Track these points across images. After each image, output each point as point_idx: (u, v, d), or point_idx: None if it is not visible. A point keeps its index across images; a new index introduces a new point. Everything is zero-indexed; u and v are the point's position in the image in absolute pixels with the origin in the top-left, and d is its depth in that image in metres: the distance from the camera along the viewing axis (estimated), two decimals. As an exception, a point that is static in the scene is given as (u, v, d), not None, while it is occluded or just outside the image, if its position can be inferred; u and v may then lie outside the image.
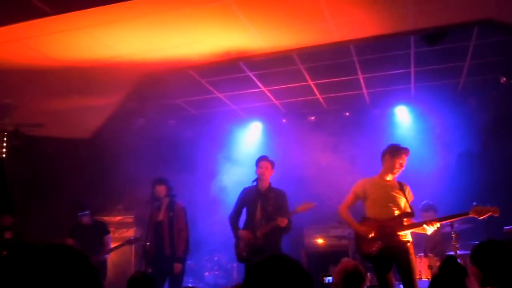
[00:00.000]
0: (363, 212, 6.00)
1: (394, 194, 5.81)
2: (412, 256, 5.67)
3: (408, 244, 5.66)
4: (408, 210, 5.77)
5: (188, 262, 8.78)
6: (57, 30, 5.63)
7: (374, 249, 5.69)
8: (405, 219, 5.71)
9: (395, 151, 5.88)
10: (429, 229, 5.63)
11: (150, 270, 6.67)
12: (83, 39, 5.93)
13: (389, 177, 5.90)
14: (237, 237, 6.58)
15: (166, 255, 6.85)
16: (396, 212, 5.74)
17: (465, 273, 3.84)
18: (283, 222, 6.20)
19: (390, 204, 5.77)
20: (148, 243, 6.87)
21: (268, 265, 1.89)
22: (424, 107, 9.19)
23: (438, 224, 5.63)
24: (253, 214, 6.48)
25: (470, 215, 5.53)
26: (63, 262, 1.43)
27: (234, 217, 6.73)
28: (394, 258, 5.64)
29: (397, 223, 5.67)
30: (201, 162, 9.92)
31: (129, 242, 7.37)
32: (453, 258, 4.39)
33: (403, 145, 6.02)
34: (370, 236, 5.75)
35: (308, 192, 9.35)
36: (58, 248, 1.47)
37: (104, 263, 7.35)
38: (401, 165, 5.83)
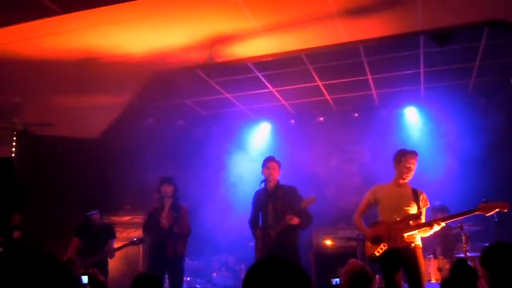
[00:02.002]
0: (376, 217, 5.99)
1: (405, 201, 5.76)
2: (420, 260, 5.61)
3: (413, 245, 5.60)
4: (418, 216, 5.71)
5: (196, 262, 8.80)
6: (67, 29, 5.64)
7: (377, 251, 5.69)
8: (411, 221, 5.66)
9: (400, 155, 5.84)
10: (436, 228, 5.57)
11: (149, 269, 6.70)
12: (92, 38, 5.94)
13: (401, 183, 5.85)
14: (256, 239, 6.57)
15: (167, 255, 6.85)
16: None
17: (476, 276, 3.80)
18: (291, 220, 6.18)
19: (399, 210, 5.73)
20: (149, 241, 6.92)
21: (266, 267, 1.87)
22: (434, 108, 9.15)
23: (443, 223, 5.58)
24: (266, 214, 6.48)
25: (477, 212, 5.47)
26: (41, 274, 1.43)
27: (253, 221, 6.71)
28: (401, 261, 5.61)
29: (403, 225, 5.63)
30: (210, 163, 9.93)
31: (132, 243, 7.34)
32: (464, 261, 4.35)
33: (410, 147, 5.98)
34: (374, 238, 5.74)
35: (316, 193, 9.30)
36: (39, 260, 1.46)
37: (105, 261, 7.32)
38: (408, 169, 5.75)
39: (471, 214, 5.61)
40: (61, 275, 1.47)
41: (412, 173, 5.79)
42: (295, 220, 6.19)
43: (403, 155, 5.80)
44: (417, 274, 5.53)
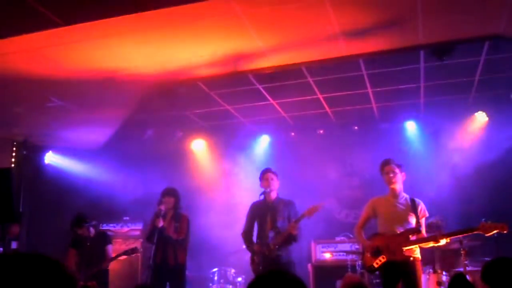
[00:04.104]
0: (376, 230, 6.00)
1: (404, 212, 5.78)
2: (418, 273, 5.62)
3: (411, 259, 5.60)
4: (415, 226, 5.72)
5: (195, 274, 8.76)
6: (70, 40, 5.66)
7: (375, 263, 5.70)
8: (411, 235, 5.66)
9: (380, 168, 6.02)
10: (441, 242, 5.59)
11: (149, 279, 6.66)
12: (94, 49, 5.96)
13: (396, 193, 5.89)
14: (252, 252, 6.53)
15: (169, 264, 6.84)
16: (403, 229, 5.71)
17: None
18: (294, 229, 6.18)
19: (398, 221, 5.75)
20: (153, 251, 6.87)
21: (269, 280, 1.87)
22: (434, 122, 9.14)
23: (444, 240, 5.57)
24: (264, 226, 6.45)
25: (476, 232, 5.49)
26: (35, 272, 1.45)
27: (247, 233, 6.68)
28: (400, 273, 5.61)
29: (402, 239, 5.63)
30: (210, 175, 9.93)
31: (126, 253, 7.30)
32: (462, 275, 4.34)
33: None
34: (374, 250, 5.74)
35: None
36: (30, 258, 1.49)
37: (105, 272, 7.29)
38: (388, 175, 5.88)
39: (470, 233, 5.64)
40: (62, 278, 1.48)
41: (392, 177, 5.85)
42: (296, 229, 6.21)
43: (381, 167, 5.99)
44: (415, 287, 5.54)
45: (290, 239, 6.29)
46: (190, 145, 10.36)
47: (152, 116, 9.05)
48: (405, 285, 5.61)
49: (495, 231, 5.38)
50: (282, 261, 6.21)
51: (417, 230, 5.67)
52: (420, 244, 5.66)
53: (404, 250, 5.58)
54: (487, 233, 5.42)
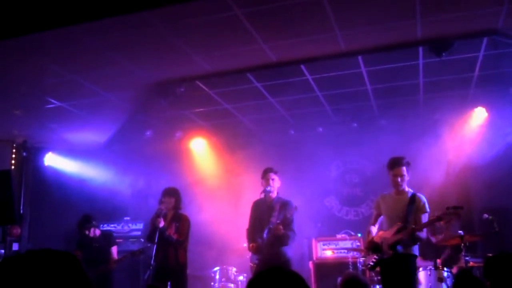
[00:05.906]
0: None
1: (401, 210, 5.72)
2: (410, 270, 5.61)
3: (403, 255, 5.58)
4: (412, 224, 5.62)
5: (196, 273, 8.76)
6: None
7: (371, 261, 5.76)
8: (400, 233, 5.59)
9: (389, 165, 5.86)
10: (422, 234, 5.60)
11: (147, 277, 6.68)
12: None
13: (399, 191, 5.84)
14: (249, 250, 6.55)
15: (170, 263, 6.84)
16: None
17: (481, 286, 3.79)
18: (278, 230, 6.17)
19: (397, 218, 5.70)
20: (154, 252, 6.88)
21: (268, 277, 1.88)
22: (433, 118, 9.14)
23: (423, 233, 5.57)
24: (263, 225, 6.45)
25: (444, 218, 5.49)
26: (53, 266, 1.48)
27: (251, 231, 6.68)
28: (393, 270, 5.59)
29: (390, 236, 5.62)
30: (209, 173, 9.93)
31: (133, 254, 7.33)
32: (467, 271, 4.34)
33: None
34: (371, 248, 5.79)
35: (317, 204, 9.34)
36: (50, 254, 1.52)
37: (109, 273, 7.32)
38: (396, 176, 5.76)
39: (436, 222, 5.64)
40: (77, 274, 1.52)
41: (400, 180, 5.76)
42: (279, 231, 6.20)
43: (390, 164, 5.84)
44: (406, 284, 5.53)
45: (281, 239, 6.30)
46: (190, 144, 10.35)
47: (151, 116, 9.04)
48: (397, 281, 5.59)
49: (453, 215, 5.41)
50: (279, 260, 6.18)
51: (403, 227, 5.60)
52: (408, 240, 5.56)
53: (394, 248, 5.55)
54: (448, 219, 5.48)
